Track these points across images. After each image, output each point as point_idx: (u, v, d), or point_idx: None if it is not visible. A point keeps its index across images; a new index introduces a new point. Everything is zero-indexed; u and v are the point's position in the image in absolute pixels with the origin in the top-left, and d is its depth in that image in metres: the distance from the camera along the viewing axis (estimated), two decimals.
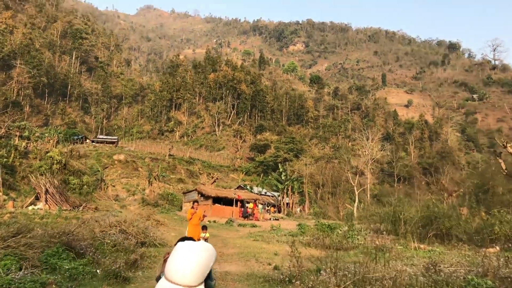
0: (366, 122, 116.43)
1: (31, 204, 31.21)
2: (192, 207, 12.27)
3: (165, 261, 3.74)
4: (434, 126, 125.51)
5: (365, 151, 62.06)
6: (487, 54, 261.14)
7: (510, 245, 16.44)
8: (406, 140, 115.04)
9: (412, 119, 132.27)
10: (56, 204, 29.76)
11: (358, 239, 15.72)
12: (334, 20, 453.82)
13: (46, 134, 61.65)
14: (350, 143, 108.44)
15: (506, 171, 27.18)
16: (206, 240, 11.80)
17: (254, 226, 28.89)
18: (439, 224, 16.70)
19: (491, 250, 15.57)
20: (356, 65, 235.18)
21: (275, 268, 10.78)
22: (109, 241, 11.40)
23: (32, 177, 30.83)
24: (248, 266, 11.21)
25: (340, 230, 17.54)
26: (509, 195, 40.50)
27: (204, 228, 12.71)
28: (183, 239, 3.68)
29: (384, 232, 20.18)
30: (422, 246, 15.42)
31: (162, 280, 3.22)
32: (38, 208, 29.16)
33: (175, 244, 3.48)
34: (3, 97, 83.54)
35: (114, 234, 12.30)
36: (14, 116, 67.42)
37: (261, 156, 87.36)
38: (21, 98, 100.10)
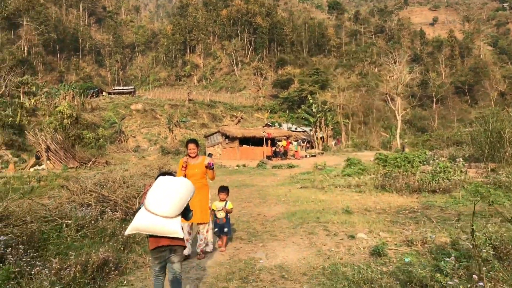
0: (391, 45, 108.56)
1: (35, 164, 27.41)
2: (188, 155, 6.25)
3: (145, 193, 4.00)
4: (464, 42, 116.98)
5: (393, 76, 57.21)
6: None
7: None
8: (435, 60, 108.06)
9: (440, 37, 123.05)
10: (61, 162, 25.84)
11: (452, 174, 11.07)
12: None
13: (61, 91, 57.79)
14: (376, 69, 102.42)
15: None
16: (227, 213, 6.63)
17: (291, 166, 24.45)
18: None
19: None
20: None
21: (377, 252, 5.46)
22: (69, 222, 6.66)
23: (29, 133, 26.81)
24: (316, 248, 6.15)
25: (420, 162, 12.90)
26: None
27: (223, 190, 6.73)
28: (164, 174, 4.12)
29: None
30: None
31: (142, 209, 3.69)
32: (41, 169, 25.35)
33: (156, 178, 4.01)
34: (11, 56, 79.76)
35: (88, 204, 7.92)
36: (27, 74, 63.55)
37: (284, 92, 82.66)
38: (32, 56, 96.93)
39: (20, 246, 5.31)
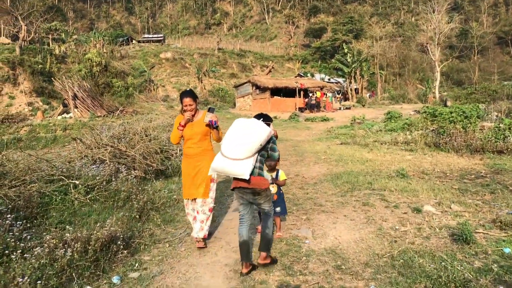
0: None
1: (63, 112, 27.04)
2: (183, 111, 4.59)
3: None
4: None
5: (431, 25, 53.87)
6: None
7: None
8: (477, 8, 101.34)
9: None
10: (88, 110, 25.30)
11: None
12: None
13: (91, 38, 57.05)
14: (413, 18, 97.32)
15: None
16: (281, 187, 4.91)
17: (326, 119, 23.11)
18: None
19: None
20: None
21: (462, 238, 4.09)
22: (78, 182, 5.56)
23: (56, 80, 26.18)
24: (375, 225, 4.88)
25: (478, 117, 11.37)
26: None
27: (272, 159, 4.32)
28: (259, 116, 4.21)
29: None
30: None
31: (218, 153, 3.85)
32: (68, 117, 24.95)
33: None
34: (41, 2, 79.01)
35: (102, 160, 6.89)
36: (56, 21, 62.80)
37: (317, 41, 79.59)
38: (63, 3, 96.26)
39: (8, 215, 4.24)
